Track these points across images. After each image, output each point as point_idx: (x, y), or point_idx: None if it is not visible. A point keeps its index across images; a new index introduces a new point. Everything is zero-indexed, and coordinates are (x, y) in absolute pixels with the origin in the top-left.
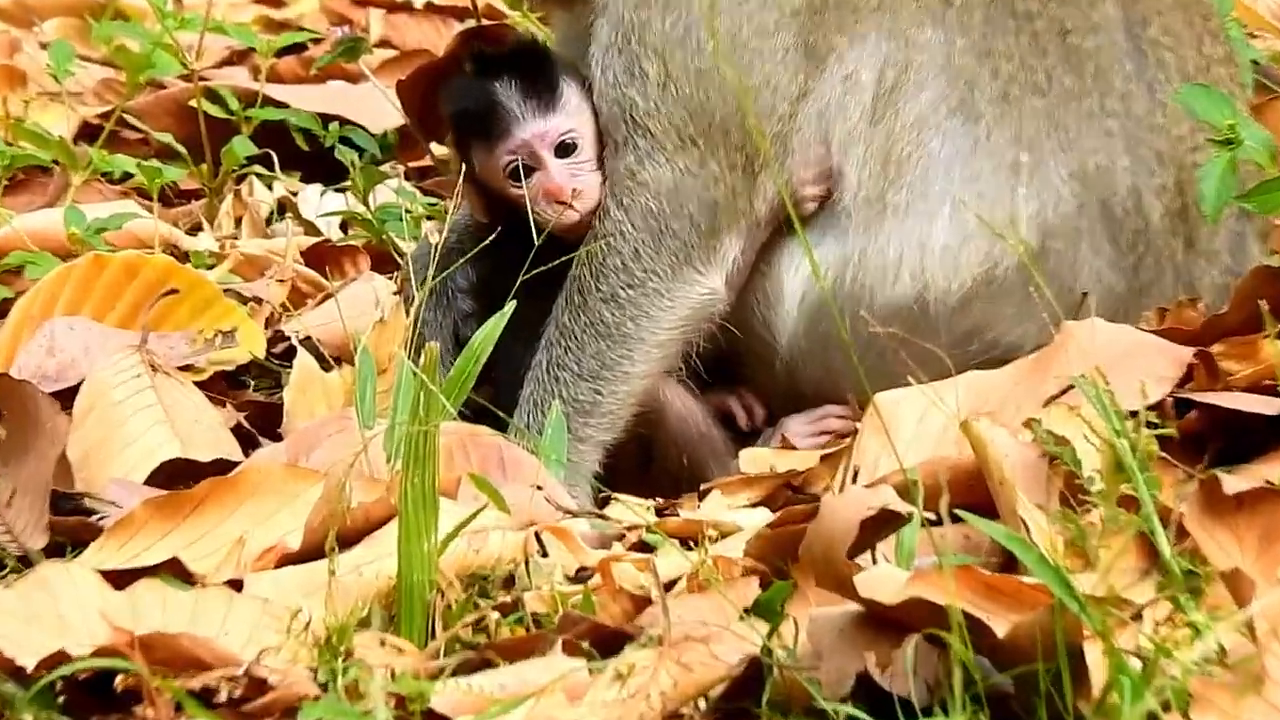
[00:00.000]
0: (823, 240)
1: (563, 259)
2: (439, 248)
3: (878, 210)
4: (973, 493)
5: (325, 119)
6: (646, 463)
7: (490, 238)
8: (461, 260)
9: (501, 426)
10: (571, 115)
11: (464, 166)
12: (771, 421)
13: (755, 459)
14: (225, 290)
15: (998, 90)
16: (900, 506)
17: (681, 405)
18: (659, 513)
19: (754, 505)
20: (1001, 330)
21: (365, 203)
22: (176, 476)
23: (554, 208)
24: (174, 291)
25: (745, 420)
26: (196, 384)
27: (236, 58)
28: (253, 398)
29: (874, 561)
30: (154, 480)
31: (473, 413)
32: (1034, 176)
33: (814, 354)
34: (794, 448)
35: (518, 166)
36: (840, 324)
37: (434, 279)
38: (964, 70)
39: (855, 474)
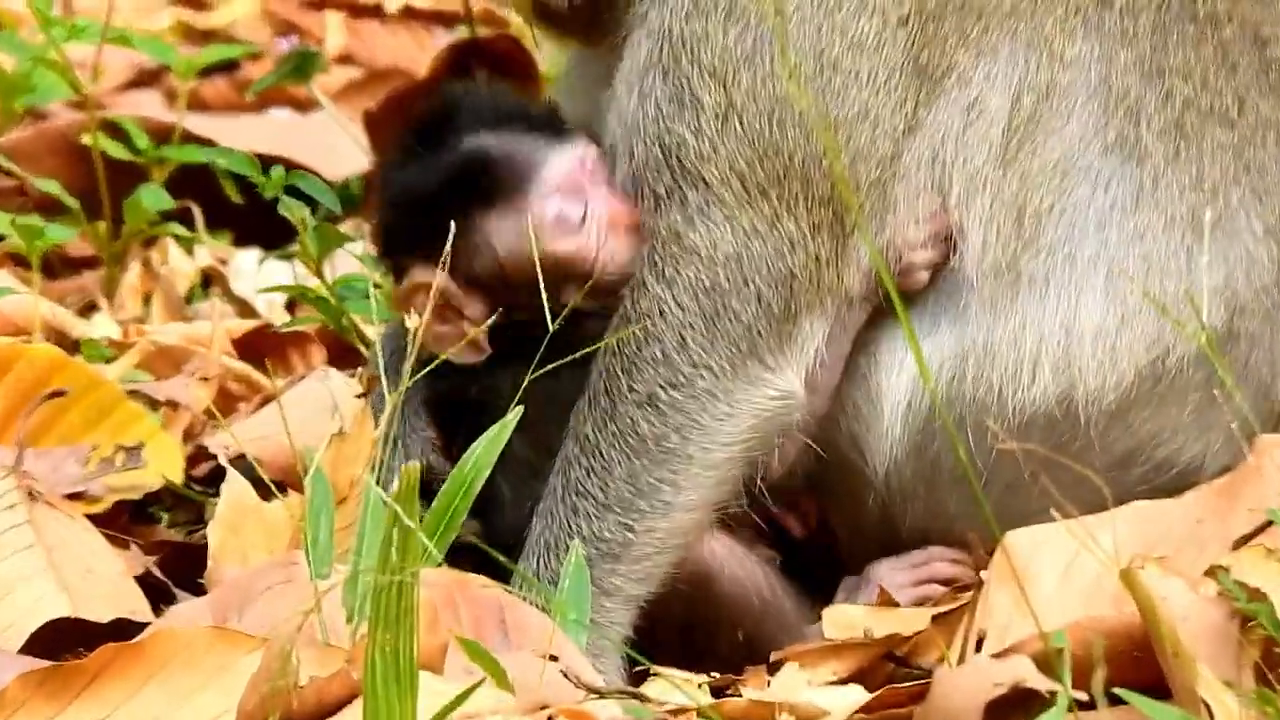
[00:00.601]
0: (935, 326)
1: (585, 350)
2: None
3: (1009, 282)
4: (1137, 666)
5: (265, 161)
6: (690, 632)
7: (489, 320)
8: (449, 350)
9: (503, 576)
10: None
11: (444, 272)
12: (853, 568)
13: (843, 620)
14: (129, 392)
15: (1170, 119)
16: (1040, 684)
17: (736, 566)
18: (715, 691)
19: (843, 681)
20: (1175, 446)
21: (319, 274)
22: (63, 642)
23: (616, 244)
24: (60, 393)
25: (799, 527)
26: (90, 518)
27: (146, 79)
28: (166, 536)
29: None
30: (33, 648)
31: (464, 557)
32: (1219, 234)
33: (921, 482)
34: (894, 603)
35: (563, 213)
36: (955, 439)
37: (411, 377)
38: (1126, 94)
39: (980, 640)
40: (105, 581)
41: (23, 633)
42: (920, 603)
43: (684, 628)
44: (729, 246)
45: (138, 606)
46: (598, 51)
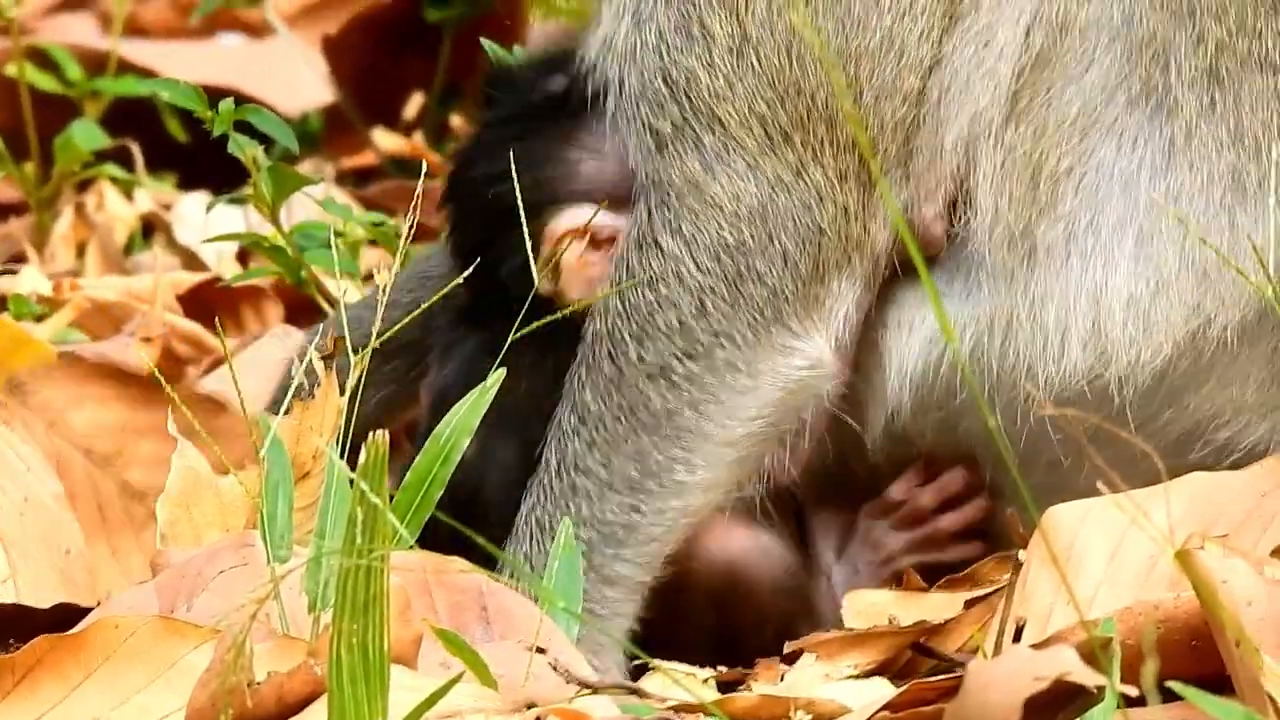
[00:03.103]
0: (948, 295)
1: (572, 307)
2: (387, 288)
3: (1025, 251)
4: (1194, 656)
5: (213, 94)
6: (717, 632)
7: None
8: (424, 306)
9: (486, 560)
10: None
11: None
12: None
13: (865, 605)
14: (63, 353)
15: (1202, 66)
16: (1085, 677)
17: (761, 557)
18: (724, 686)
19: (866, 674)
20: (1238, 426)
21: (275, 221)
22: None
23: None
24: None
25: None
26: None
27: (76, 1)
28: None
29: None
30: None
31: (440, 539)
32: (1262, 191)
33: (943, 453)
34: (922, 587)
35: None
36: (982, 402)
37: (380, 334)
38: (1152, 37)
39: (1018, 629)
40: (40, 562)
41: None
42: (924, 564)
43: (707, 629)
44: (753, 199)
45: (76, 592)
46: None
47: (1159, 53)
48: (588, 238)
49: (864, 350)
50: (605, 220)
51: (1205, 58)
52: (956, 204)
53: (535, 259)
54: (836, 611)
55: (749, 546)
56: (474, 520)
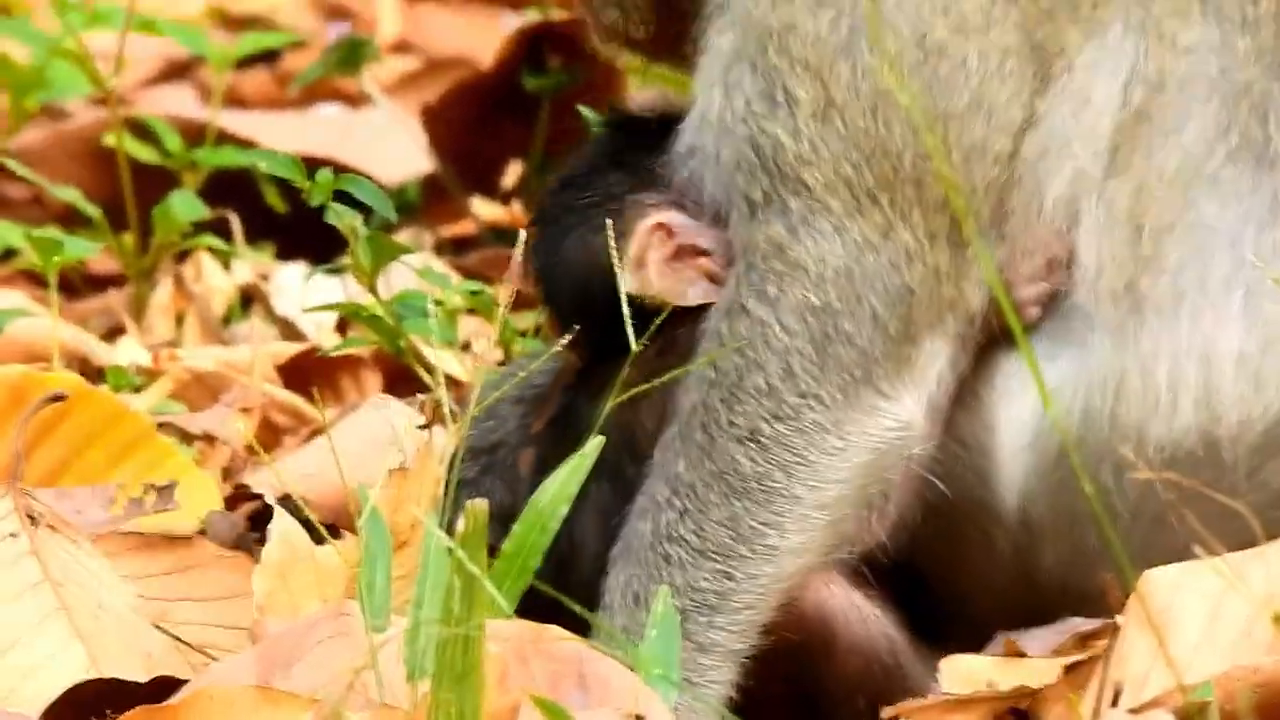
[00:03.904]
0: (1055, 355)
1: (667, 376)
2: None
3: (1129, 307)
4: None
5: (311, 164)
6: (806, 701)
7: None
8: (523, 374)
9: (582, 628)
10: None
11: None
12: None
13: (964, 671)
14: (160, 425)
15: None
16: None
17: (857, 623)
18: None
19: None
20: None
21: (373, 290)
22: (89, 703)
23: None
24: (60, 397)
25: None
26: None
27: (177, 71)
28: None
29: None
30: (60, 711)
31: (537, 608)
32: None
33: (1061, 518)
34: (1020, 653)
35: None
36: (1078, 468)
37: (479, 403)
38: (1249, 88)
39: (1116, 694)
40: (132, 634)
41: (43, 693)
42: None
43: (799, 697)
44: (839, 261)
45: (172, 664)
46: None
47: (1257, 104)
48: (675, 239)
49: (975, 424)
50: (691, 225)
51: None
52: (1057, 263)
53: (621, 262)
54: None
55: (846, 607)
56: (568, 575)
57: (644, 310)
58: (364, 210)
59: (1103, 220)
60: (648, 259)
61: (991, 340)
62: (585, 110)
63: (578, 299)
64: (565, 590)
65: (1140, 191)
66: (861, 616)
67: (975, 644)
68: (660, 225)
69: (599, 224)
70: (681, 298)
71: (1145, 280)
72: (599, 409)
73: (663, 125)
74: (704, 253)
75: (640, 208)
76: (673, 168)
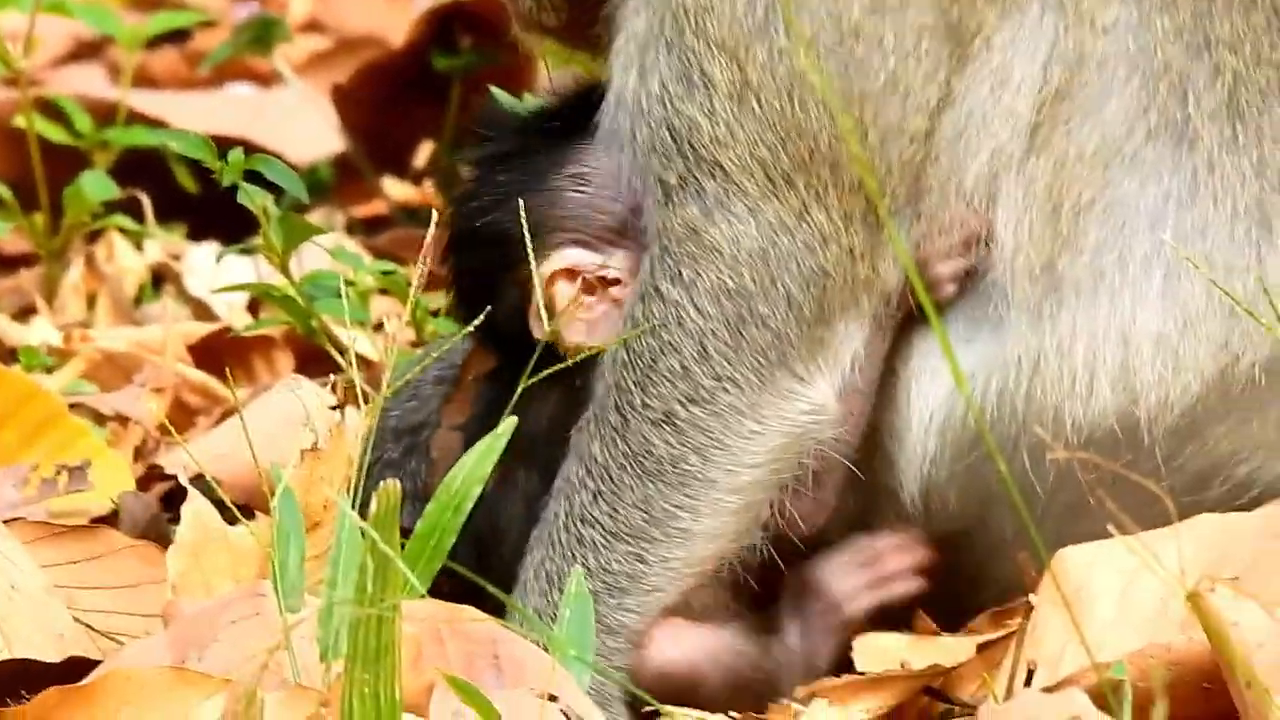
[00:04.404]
0: (974, 335)
1: (583, 355)
2: (396, 335)
3: (1048, 286)
4: (1205, 698)
5: (222, 144)
6: None
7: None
8: (434, 355)
9: (496, 609)
10: None
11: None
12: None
13: (877, 650)
14: (72, 405)
15: (1221, 97)
16: None
17: (710, 661)
18: None
19: (878, 718)
20: (1257, 463)
21: (285, 271)
22: (2, 683)
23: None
24: None
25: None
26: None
27: (86, 51)
28: None
29: None
30: None
31: (452, 589)
32: None
33: (972, 505)
34: (935, 631)
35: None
36: (994, 451)
37: (391, 384)
38: (1168, 68)
39: (1030, 672)
40: (46, 616)
41: None
42: (879, 605)
43: None
44: (753, 243)
45: (84, 645)
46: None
47: (1176, 84)
48: (579, 280)
49: (888, 403)
50: (596, 260)
51: (1224, 89)
52: (975, 240)
53: (530, 297)
54: (795, 679)
55: (696, 657)
56: (489, 557)
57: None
58: (275, 190)
59: (1022, 198)
60: (555, 308)
61: (909, 320)
62: (496, 90)
63: (489, 293)
64: (490, 575)
65: (1060, 170)
66: (711, 654)
67: (892, 625)
68: (562, 272)
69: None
70: (593, 335)
71: (1064, 259)
72: (516, 396)
73: (583, 106)
74: (615, 281)
75: (540, 253)
76: (586, 158)
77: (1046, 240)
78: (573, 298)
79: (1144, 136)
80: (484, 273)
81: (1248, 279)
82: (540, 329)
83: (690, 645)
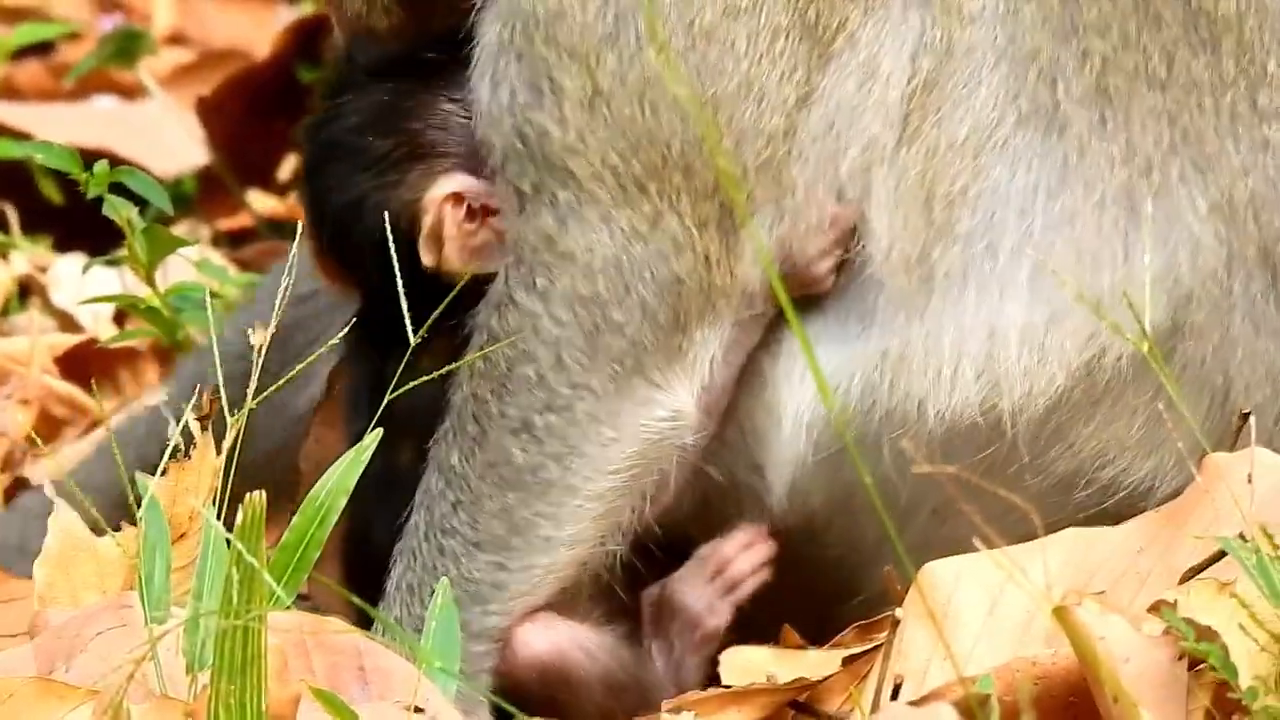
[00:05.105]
0: (843, 329)
1: (446, 369)
2: (263, 349)
3: (920, 278)
4: (1072, 712)
5: (88, 156)
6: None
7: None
8: (312, 358)
9: (362, 621)
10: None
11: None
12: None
13: (742, 663)
14: None
15: (1089, 82)
16: None
17: (584, 658)
18: None
19: None
20: (1122, 466)
21: (150, 283)
22: None
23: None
24: None
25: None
26: None
27: None
28: None
29: None
30: None
31: (317, 601)
32: (1157, 215)
33: (834, 509)
34: (800, 645)
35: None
36: (856, 456)
37: (255, 396)
38: (1037, 54)
39: (896, 686)
40: None
41: None
42: (735, 610)
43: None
44: (607, 250)
45: None
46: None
47: (1045, 70)
48: (465, 206)
49: (756, 406)
50: (482, 188)
51: (1092, 75)
52: (849, 235)
53: (418, 223)
54: (664, 694)
55: (566, 646)
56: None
57: (433, 287)
58: (141, 203)
59: (895, 189)
60: (444, 234)
61: (779, 319)
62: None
63: (362, 267)
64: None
65: (931, 159)
66: (583, 645)
67: (761, 638)
68: (451, 196)
69: (387, 182)
70: (481, 267)
71: (937, 249)
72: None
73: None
74: (496, 211)
75: (429, 175)
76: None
77: (920, 230)
78: (457, 223)
79: (1014, 123)
80: (354, 194)
81: (1115, 270)
82: (430, 255)
83: (560, 635)
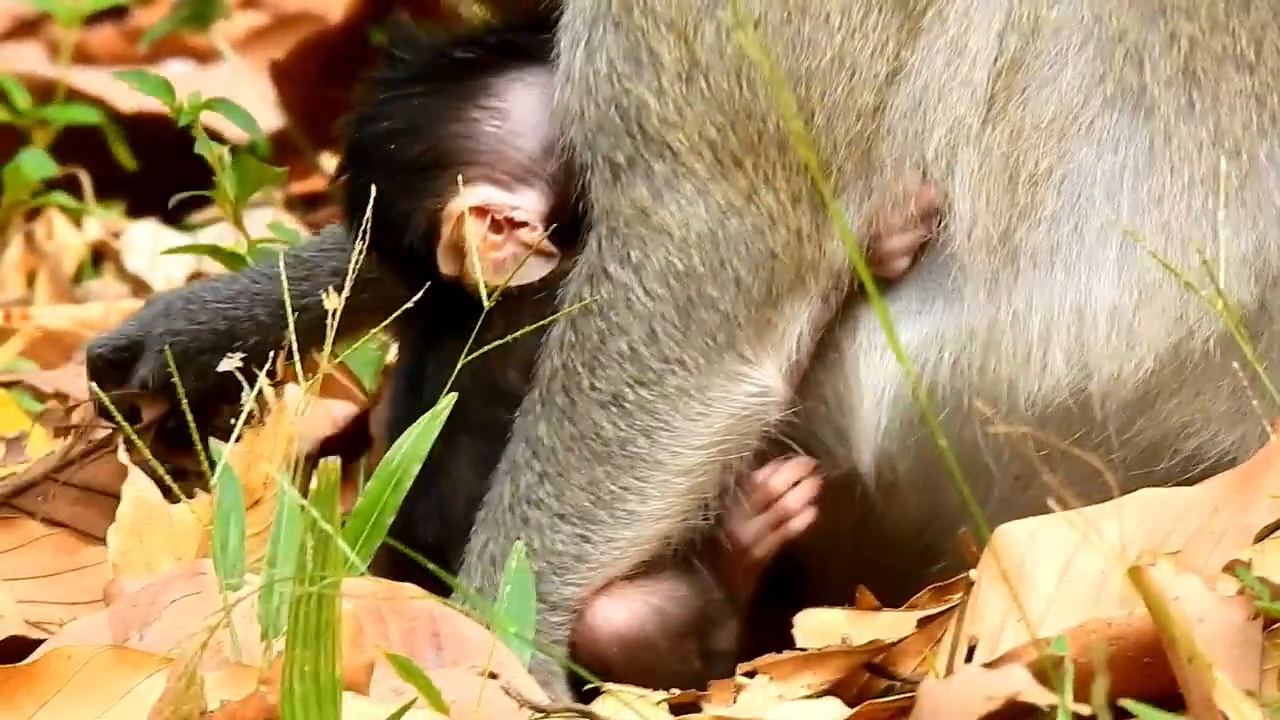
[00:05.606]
0: (928, 306)
1: (529, 328)
2: (337, 313)
3: (1005, 258)
4: (1147, 674)
5: (161, 121)
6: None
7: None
8: (383, 324)
9: (438, 587)
10: None
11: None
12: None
13: (818, 625)
14: (12, 383)
15: (1177, 64)
16: (1038, 696)
17: (651, 614)
18: (676, 709)
19: (819, 694)
20: (1207, 436)
21: (237, 221)
22: None
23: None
24: None
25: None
26: None
27: (24, 29)
28: None
29: None
30: None
31: (393, 566)
32: (1245, 195)
33: (920, 476)
34: (876, 606)
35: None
36: (934, 424)
37: (332, 355)
38: (1123, 35)
39: (970, 648)
40: None
41: None
42: (782, 540)
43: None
44: (702, 225)
45: (6, 610)
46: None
47: (1132, 52)
48: (488, 219)
49: (838, 377)
50: (508, 200)
51: (1180, 56)
52: (931, 213)
53: (430, 235)
54: (726, 619)
55: (643, 613)
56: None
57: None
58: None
59: (979, 169)
60: (463, 247)
61: (861, 294)
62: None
63: (388, 219)
64: (447, 548)
65: (1016, 140)
66: (658, 610)
67: (837, 601)
68: (475, 209)
69: (412, 190)
70: (513, 278)
71: (1021, 230)
72: (450, 371)
73: (496, 40)
74: (522, 224)
75: (453, 185)
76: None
77: (1003, 211)
78: (481, 236)
79: (1100, 105)
80: (384, 198)
81: (1203, 250)
82: (449, 266)
83: (635, 603)
